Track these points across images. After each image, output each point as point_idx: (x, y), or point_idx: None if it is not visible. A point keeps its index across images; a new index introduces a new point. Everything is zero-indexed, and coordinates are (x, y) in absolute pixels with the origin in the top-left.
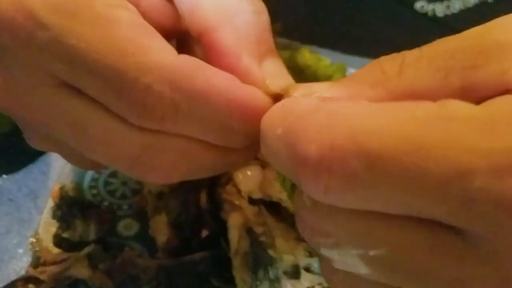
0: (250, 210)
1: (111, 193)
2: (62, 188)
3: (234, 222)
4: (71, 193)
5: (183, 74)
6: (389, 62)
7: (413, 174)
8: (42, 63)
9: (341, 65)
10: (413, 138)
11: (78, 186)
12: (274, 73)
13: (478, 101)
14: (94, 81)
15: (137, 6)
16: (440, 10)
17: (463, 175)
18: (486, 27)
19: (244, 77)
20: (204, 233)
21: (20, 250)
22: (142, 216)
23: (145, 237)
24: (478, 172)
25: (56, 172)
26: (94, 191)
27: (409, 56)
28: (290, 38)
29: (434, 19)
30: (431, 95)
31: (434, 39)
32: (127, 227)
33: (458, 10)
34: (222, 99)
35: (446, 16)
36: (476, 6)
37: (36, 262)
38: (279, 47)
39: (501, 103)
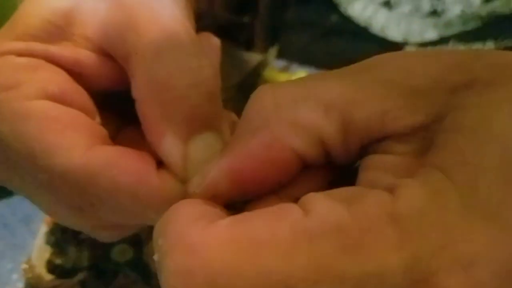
0: None
1: None
2: None
3: None
4: None
5: (88, 176)
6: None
7: None
8: None
9: None
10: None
11: None
12: (198, 155)
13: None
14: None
15: (77, 65)
16: None
17: None
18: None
19: (164, 159)
20: None
21: (14, 276)
22: (137, 242)
23: (139, 264)
24: None
25: None
26: None
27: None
28: (287, 60)
29: None
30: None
31: None
32: (121, 253)
33: None
34: (127, 197)
35: None
36: None
37: None
38: (276, 70)
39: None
